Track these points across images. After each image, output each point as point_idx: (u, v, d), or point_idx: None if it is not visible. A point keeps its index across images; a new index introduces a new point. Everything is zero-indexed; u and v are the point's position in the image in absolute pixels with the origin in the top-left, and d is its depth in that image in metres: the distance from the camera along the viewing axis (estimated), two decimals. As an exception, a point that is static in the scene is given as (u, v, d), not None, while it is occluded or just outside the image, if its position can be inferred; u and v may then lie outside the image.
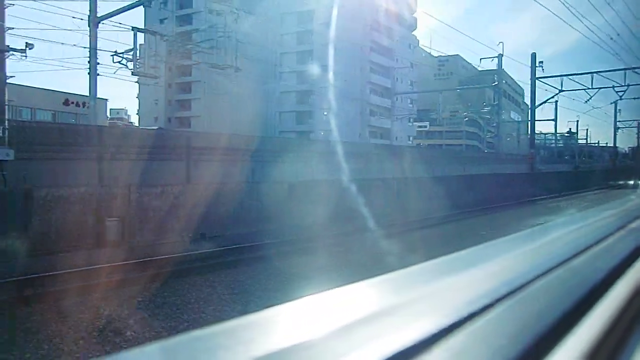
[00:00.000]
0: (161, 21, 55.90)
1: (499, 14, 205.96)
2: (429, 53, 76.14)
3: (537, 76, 32.34)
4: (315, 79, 43.19)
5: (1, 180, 11.87)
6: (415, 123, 56.82)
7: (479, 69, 75.32)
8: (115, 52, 25.99)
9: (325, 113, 42.45)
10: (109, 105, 53.81)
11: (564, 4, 27.54)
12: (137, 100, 56.82)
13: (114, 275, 8.11)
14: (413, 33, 60.42)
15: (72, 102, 41.38)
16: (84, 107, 42.12)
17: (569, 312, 0.77)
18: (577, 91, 34.06)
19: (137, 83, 56.67)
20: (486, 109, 59.45)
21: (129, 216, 11.05)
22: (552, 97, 34.72)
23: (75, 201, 10.66)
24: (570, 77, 32.89)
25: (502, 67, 54.32)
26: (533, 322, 0.71)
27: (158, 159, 15.25)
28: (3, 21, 13.63)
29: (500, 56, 38.89)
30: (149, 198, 11.66)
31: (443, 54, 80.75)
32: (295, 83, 46.88)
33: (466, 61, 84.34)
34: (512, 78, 77.14)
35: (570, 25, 73.00)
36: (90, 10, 20.39)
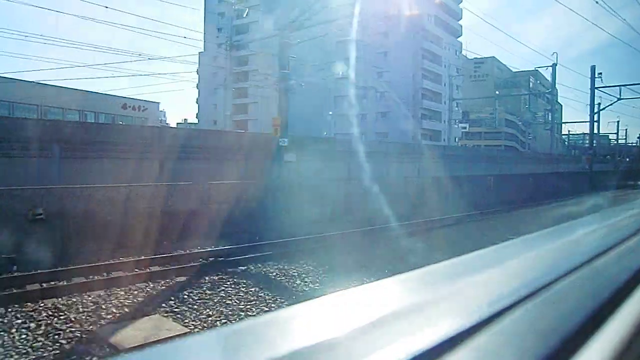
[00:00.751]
0: (219, 30, 59.54)
1: (521, 14, 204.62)
2: (465, 55, 78.12)
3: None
4: (369, 84, 46.09)
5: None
6: (459, 125, 59.43)
7: (513, 70, 76.47)
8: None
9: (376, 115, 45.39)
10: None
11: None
12: (196, 104, 60.92)
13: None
14: (458, 39, 63.12)
15: (130, 106, 45.32)
16: (139, 110, 46.08)
17: (594, 314, 0.74)
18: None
19: (196, 88, 60.71)
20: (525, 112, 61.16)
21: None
22: (611, 104, 37.35)
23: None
24: (628, 87, 35.89)
25: (536, 69, 56.08)
26: (557, 323, 0.70)
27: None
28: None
29: (554, 65, 41.10)
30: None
31: (479, 56, 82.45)
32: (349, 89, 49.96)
33: (501, 62, 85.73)
34: (547, 79, 78.54)
35: (596, 25, 73.46)
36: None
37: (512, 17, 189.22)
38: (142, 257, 9.34)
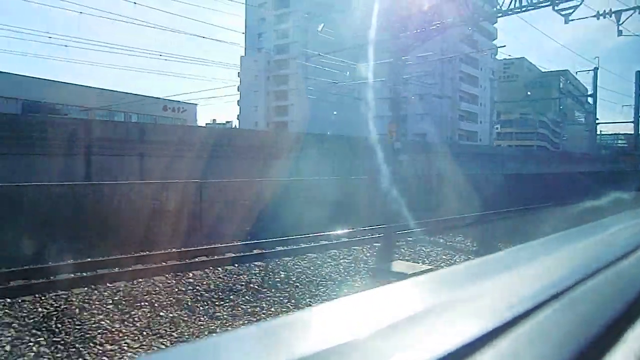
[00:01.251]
0: (259, 35, 61.70)
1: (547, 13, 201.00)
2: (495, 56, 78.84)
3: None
4: (408, 86, 47.44)
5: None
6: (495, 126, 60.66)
7: (542, 70, 76.59)
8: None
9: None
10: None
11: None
12: (237, 106, 63.13)
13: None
14: (493, 42, 64.03)
15: (170, 108, 47.41)
16: (179, 112, 48.19)
17: (616, 319, 0.72)
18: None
19: (237, 91, 62.84)
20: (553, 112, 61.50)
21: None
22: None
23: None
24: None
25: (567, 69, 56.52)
26: (581, 327, 0.69)
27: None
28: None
29: (596, 69, 42.17)
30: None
31: (508, 57, 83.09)
32: (388, 92, 51.15)
33: (530, 62, 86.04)
34: (576, 79, 78.66)
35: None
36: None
37: (538, 15, 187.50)
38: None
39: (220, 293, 7.26)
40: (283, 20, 58.59)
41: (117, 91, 39.42)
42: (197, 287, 7.50)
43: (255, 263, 9.04)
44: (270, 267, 8.96)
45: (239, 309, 6.67)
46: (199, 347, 0.58)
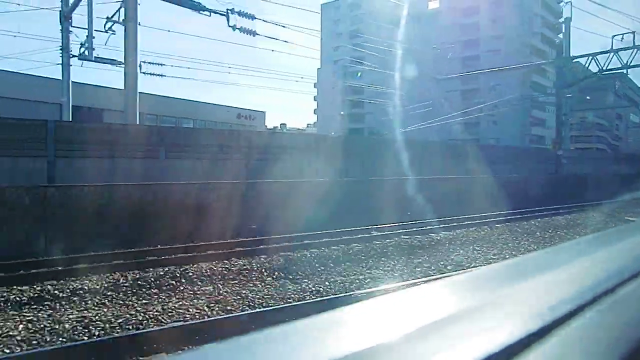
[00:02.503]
0: (335, 48, 66.56)
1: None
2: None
3: None
4: (481, 94, 51.27)
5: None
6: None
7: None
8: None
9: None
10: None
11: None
12: (314, 114, 68.32)
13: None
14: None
15: (242, 116, 52.30)
16: (250, 119, 52.95)
17: None
18: None
19: (315, 100, 67.92)
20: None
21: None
22: None
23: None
24: None
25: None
26: (626, 331, 0.67)
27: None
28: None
29: None
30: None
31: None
32: (461, 99, 55.25)
33: (583, 65, 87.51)
34: (632, 81, 79.56)
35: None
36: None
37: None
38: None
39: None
40: (358, 34, 63.24)
41: (196, 101, 43.59)
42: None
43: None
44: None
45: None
46: (228, 347, 0.57)
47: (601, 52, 28.00)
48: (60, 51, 19.34)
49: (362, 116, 63.80)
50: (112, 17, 18.75)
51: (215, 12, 17.01)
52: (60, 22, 18.98)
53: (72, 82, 19.78)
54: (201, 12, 16.43)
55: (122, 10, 16.94)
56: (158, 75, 21.75)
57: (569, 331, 0.62)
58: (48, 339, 5.20)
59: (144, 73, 20.77)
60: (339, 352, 0.51)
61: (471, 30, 58.26)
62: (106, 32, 19.23)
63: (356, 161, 18.96)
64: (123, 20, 16.45)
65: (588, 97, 78.93)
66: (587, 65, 30.34)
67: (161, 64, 21.98)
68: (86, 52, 19.30)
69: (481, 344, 0.54)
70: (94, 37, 19.30)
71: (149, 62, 22.28)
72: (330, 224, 11.98)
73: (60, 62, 19.51)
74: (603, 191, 20.62)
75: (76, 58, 19.92)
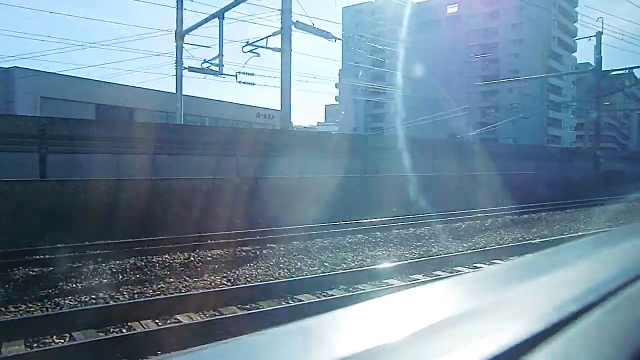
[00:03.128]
0: (355, 51, 68.77)
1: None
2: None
3: None
4: (500, 96, 53.80)
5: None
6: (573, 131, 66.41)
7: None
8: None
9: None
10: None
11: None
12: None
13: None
14: (573, 54, 69.54)
15: (262, 115, 51.66)
16: (269, 118, 55.20)
17: None
18: None
19: (336, 101, 70.41)
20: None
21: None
22: None
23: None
24: None
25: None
26: (632, 331, 0.66)
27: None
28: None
29: None
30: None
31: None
32: (480, 100, 57.91)
33: (592, 66, 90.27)
34: (636, 78, 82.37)
35: None
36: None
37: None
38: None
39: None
40: (379, 37, 65.68)
41: (226, 102, 46.27)
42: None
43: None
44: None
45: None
46: (228, 347, 0.58)
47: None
48: (175, 65, 23.37)
49: (382, 115, 66.38)
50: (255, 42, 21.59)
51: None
52: (175, 40, 23.12)
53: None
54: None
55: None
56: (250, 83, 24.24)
57: (576, 330, 0.61)
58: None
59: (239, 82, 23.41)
60: (341, 353, 0.51)
61: (491, 34, 60.82)
62: (250, 52, 21.83)
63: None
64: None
65: (607, 100, 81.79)
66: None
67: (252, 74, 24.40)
68: (211, 67, 22.43)
69: (485, 346, 0.53)
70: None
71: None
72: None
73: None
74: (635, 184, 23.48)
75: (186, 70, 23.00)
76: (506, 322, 0.63)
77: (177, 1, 23.46)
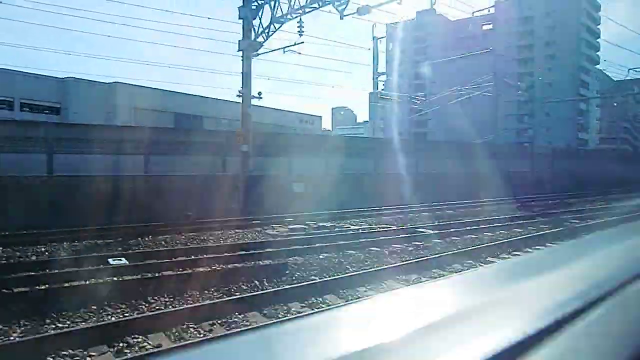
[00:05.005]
0: (400, 62, 75.39)
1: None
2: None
3: None
4: (534, 105, 60.28)
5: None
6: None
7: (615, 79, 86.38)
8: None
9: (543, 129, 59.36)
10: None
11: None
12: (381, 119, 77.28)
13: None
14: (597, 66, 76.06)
15: (305, 121, 56.64)
16: (309, 123, 58.18)
17: None
18: None
19: (380, 106, 76.63)
20: None
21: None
22: None
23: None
24: None
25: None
26: (631, 328, 0.66)
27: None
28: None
29: None
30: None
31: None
32: (516, 107, 64.45)
33: (604, 73, 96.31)
34: None
35: None
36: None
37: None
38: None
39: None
40: (420, 52, 72.42)
41: (273, 108, 47.92)
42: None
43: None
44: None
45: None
46: (226, 347, 0.56)
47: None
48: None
49: (424, 122, 72.77)
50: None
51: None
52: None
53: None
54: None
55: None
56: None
57: (574, 330, 0.60)
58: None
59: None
60: (338, 352, 0.50)
61: (524, 50, 67.32)
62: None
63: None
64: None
65: (615, 104, 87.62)
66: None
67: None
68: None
69: (485, 344, 0.53)
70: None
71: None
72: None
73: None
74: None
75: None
76: (503, 322, 0.61)
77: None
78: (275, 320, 5.77)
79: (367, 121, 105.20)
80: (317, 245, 10.29)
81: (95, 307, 6.21)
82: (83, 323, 5.74)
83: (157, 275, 7.93)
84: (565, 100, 51.75)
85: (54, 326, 5.61)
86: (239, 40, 17.63)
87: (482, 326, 0.60)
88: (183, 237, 12.04)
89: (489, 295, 0.74)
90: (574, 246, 1.29)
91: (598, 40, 71.06)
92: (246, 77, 17.70)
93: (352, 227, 13.66)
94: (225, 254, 9.25)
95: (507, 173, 24.78)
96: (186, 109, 41.11)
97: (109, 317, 5.97)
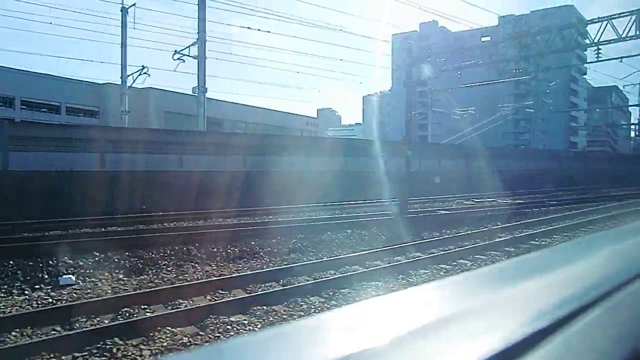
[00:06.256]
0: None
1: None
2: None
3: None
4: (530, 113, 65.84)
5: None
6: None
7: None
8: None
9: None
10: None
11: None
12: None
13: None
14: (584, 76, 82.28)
15: (310, 124, 59.26)
16: (314, 126, 60.69)
17: None
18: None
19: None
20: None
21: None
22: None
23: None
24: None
25: None
26: (632, 330, 0.66)
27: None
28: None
29: None
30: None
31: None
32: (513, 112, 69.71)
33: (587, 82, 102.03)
34: (622, 92, 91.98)
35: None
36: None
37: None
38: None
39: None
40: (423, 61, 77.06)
41: (279, 111, 53.17)
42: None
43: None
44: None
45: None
46: (222, 348, 0.57)
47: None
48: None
49: (426, 126, 77.98)
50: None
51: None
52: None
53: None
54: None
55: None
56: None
57: (575, 329, 0.60)
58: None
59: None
60: (329, 356, 0.50)
61: (521, 62, 72.65)
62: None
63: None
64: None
65: (598, 110, 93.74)
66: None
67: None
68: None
69: (479, 346, 0.52)
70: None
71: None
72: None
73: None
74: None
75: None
76: (498, 324, 0.61)
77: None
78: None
79: (359, 123, 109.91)
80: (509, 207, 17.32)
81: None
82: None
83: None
84: (559, 111, 57.12)
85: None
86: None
87: (477, 328, 0.59)
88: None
89: (484, 297, 0.72)
90: (572, 247, 1.31)
91: (585, 52, 76.52)
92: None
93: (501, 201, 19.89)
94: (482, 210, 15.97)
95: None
96: (209, 112, 44.84)
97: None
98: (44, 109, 43.11)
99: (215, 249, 9.67)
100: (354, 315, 0.67)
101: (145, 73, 32.54)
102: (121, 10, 31.22)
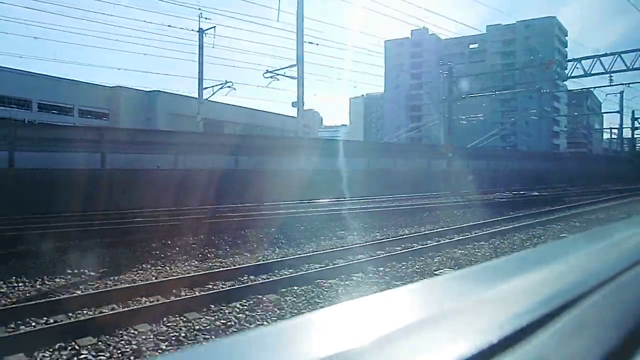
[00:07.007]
0: (397, 75, 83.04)
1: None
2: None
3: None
4: (516, 114, 69.40)
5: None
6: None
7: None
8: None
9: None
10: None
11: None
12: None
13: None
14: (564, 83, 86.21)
15: (306, 126, 64.96)
16: (309, 127, 63.72)
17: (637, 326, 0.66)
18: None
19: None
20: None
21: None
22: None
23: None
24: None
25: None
26: (616, 324, 0.66)
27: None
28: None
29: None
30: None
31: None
32: (500, 117, 73.39)
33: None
34: (596, 97, 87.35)
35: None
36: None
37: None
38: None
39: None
40: (416, 66, 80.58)
41: (268, 112, 53.50)
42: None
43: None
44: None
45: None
46: (209, 348, 0.56)
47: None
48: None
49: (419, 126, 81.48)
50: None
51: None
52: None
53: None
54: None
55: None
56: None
57: (559, 326, 0.60)
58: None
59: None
60: (329, 352, 0.50)
61: (509, 67, 76.25)
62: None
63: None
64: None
65: (576, 113, 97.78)
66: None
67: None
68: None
69: (463, 345, 0.52)
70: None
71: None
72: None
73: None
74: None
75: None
76: (485, 321, 0.61)
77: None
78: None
79: (344, 124, 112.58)
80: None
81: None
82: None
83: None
84: (540, 118, 60.83)
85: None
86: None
87: (459, 328, 0.59)
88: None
89: (469, 296, 0.72)
90: (557, 246, 1.31)
91: (567, 60, 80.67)
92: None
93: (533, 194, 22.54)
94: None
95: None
96: (211, 114, 43.34)
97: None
98: (54, 111, 43.66)
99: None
100: (340, 315, 0.67)
101: (228, 87, 35.36)
102: (198, 32, 33.61)
